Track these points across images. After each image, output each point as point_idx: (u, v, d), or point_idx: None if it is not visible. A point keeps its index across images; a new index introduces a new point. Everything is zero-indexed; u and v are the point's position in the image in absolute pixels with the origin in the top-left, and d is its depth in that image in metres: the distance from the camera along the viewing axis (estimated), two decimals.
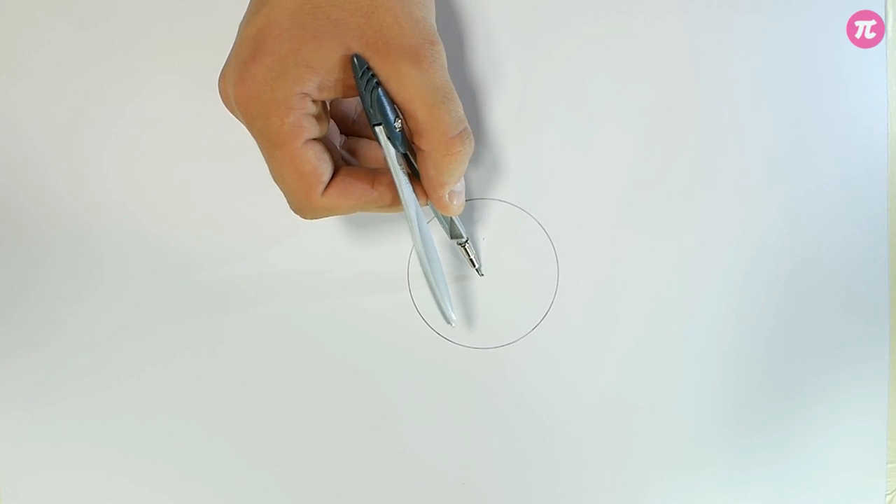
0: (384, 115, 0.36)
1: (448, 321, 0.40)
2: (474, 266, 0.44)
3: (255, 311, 0.45)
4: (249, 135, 0.35)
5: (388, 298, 0.45)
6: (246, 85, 0.34)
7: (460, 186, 0.39)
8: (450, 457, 0.45)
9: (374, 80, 0.35)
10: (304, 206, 0.36)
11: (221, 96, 0.35)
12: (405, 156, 0.38)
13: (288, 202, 0.36)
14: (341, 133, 0.41)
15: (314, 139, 0.36)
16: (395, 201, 0.38)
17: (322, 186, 0.36)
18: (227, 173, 0.45)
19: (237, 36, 0.35)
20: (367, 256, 0.45)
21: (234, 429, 0.45)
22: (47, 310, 0.45)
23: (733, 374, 0.46)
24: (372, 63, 0.35)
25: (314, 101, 0.35)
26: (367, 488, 0.45)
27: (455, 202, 0.39)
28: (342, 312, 0.45)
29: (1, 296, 0.45)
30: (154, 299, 0.45)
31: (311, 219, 0.37)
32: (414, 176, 0.38)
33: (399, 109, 0.36)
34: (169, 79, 0.45)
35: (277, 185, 0.36)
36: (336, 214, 0.37)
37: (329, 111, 0.38)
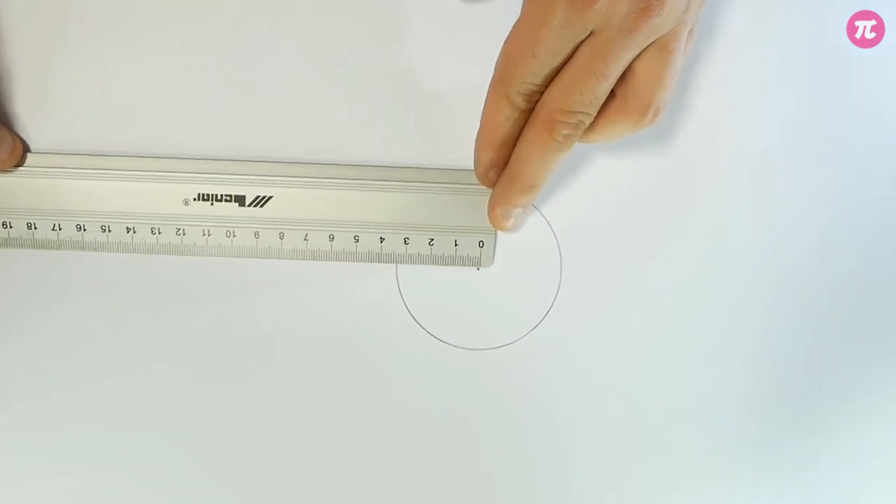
0: None
1: None
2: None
3: (231, 308, 0.44)
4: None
5: (379, 300, 0.44)
6: None
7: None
8: (445, 463, 0.44)
9: None
10: None
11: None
12: None
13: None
14: None
15: None
16: None
17: None
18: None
19: None
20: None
21: (212, 436, 0.44)
22: (5, 312, 0.44)
23: (757, 378, 0.45)
24: None
25: None
26: (356, 495, 0.44)
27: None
28: (331, 316, 0.44)
29: None
30: (123, 294, 0.44)
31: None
32: None
33: None
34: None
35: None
36: None
37: None
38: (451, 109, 0.44)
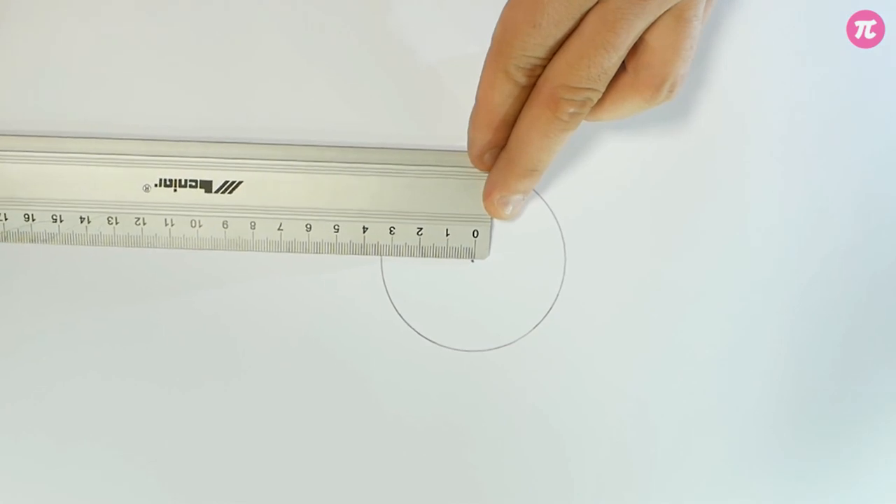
0: None
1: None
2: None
3: (197, 307, 0.43)
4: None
5: (361, 296, 0.44)
6: None
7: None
8: (437, 478, 0.44)
9: None
10: None
11: None
12: None
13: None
14: None
15: None
16: None
17: None
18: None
19: None
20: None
21: (175, 449, 0.43)
22: None
23: (785, 383, 0.44)
24: None
25: None
26: None
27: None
28: (308, 314, 0.44)
29: None
30: (75, 291, 0.43)
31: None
32: None
33: None
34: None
35: None
36: None
37: None
38: (443, 84, 0.43)
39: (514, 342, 0.43)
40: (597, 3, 0.34)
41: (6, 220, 0.42)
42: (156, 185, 0.42)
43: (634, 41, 0.35)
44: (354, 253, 0.42)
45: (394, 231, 0.42)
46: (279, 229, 0.42)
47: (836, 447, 0.44)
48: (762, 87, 0.45)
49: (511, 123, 0.38)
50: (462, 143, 0.40)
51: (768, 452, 0.44)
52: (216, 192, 0.42)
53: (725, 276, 0.44)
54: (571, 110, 0.36)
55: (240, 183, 0.42)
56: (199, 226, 0.42)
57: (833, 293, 0.44)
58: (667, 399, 0.44)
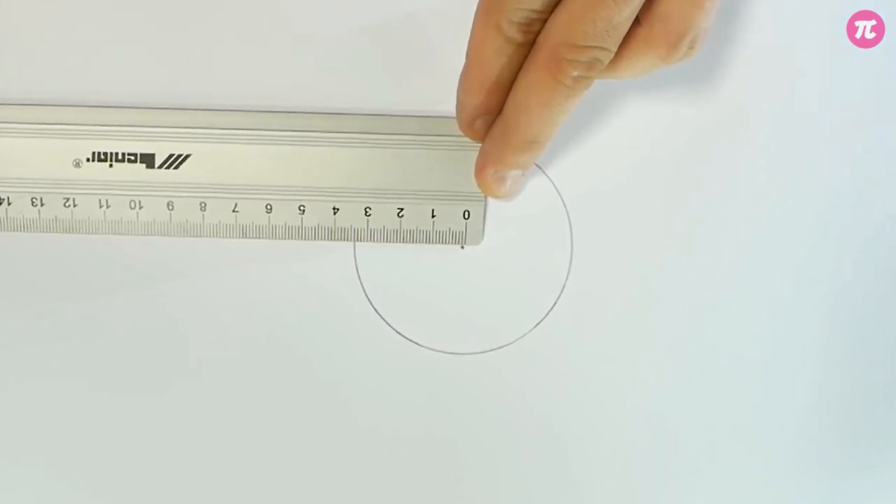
0: None
1: None
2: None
3: (139, 302, 0.41)
4: None
5: (332, 289, 0.42)
6: None
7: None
8: (421, 497, 0.42)
9: None
10: None
11: None
12: None
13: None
14: None
15: None
16: None
17: None
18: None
19: None
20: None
21: (114, 468, 0.41)
22: None
23: (829, 388, 0.43)
24: None
25: None
26: None
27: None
28: (269, 311, 0.42)
29: None
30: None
31: None
32: None
33: None
34: None
35: None
36: None
37: None
38: (428, 39, 0.42)
39: (512, 343, 0.42)
40: None
41: None
42: (88, 160, 0.40)
43: None
44: (323, 238, 0.41)
45: (370, 212, 0.41)
46: (234, 211, 0.40)
47: (889, 464, 0.43)
48: (797, 45, 0.44)
49: (507, 86, 0.36)
50: (450, 107, 0.38)
51: (806, 468, 0.43)
52: (159, 167, 0.40)
53: (755, 264, 0.43)
54: (576, 73, 0.34)
55: (187, 156, 0.40)
56: (140, 207, 0.40)
57: (879, 286, 0.43)
58: (687, 409, 0.42)
